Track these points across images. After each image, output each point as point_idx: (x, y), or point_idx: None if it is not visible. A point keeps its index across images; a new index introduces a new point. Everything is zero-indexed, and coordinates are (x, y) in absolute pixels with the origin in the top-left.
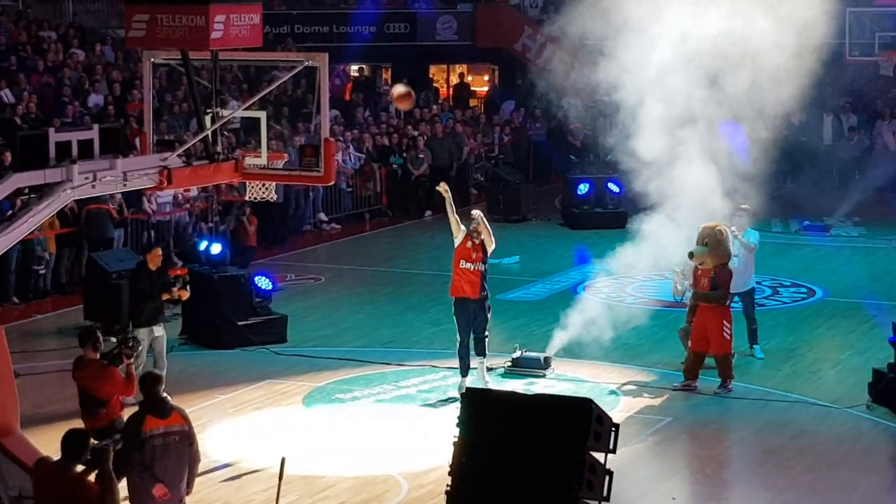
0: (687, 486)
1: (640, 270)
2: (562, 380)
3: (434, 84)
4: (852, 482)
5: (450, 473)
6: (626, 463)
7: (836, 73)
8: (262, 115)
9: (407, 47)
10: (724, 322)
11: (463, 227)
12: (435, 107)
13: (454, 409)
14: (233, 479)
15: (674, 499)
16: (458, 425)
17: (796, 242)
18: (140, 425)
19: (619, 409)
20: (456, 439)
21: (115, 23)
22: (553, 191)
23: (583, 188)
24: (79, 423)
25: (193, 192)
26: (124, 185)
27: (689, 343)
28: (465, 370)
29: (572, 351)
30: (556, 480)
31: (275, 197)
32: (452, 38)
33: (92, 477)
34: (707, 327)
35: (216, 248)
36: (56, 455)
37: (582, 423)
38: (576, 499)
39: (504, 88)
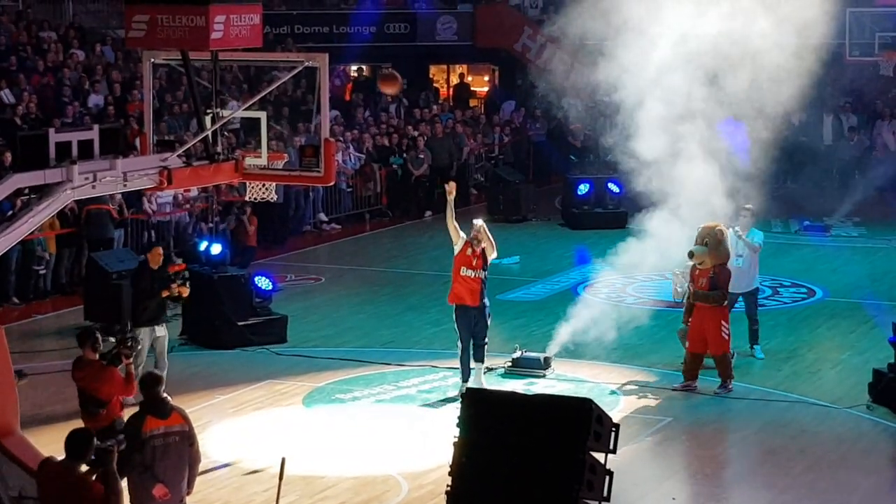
0: (687, 487)
1: (641, 270)
2: (562, 380)
3: (434, 84)
4: (852, 482)
5: (450, 474)
6: (626, 463)
7: (836, 73)
8: (262, 115)
9: (407, 47)
10: (722, 322)
11: (462, 234)
12: (435, 107)
13: (454, 410)
14: (233, 479)
15: (674, 499)
16: (458, 425)
17: (796, 242)
18: (140, 426)
19: (619, 410)
20: (456, 439)
21: (115, 23)
22: (553, 191)
23: (583, 188)
24: (79, 424)
25: (193, 192)
26: (124, 186)
27: (687, 344)
28: (466, 376)
29: (572, 351)
30: (556, 480)
31: (275, 197)
32: (452, 38)
33: (95, 477)
34: (705, 328)
35: (216, 249)
36: (56, 455)
37: (582, 423)
38: (576, 499)
39: (504, 89)
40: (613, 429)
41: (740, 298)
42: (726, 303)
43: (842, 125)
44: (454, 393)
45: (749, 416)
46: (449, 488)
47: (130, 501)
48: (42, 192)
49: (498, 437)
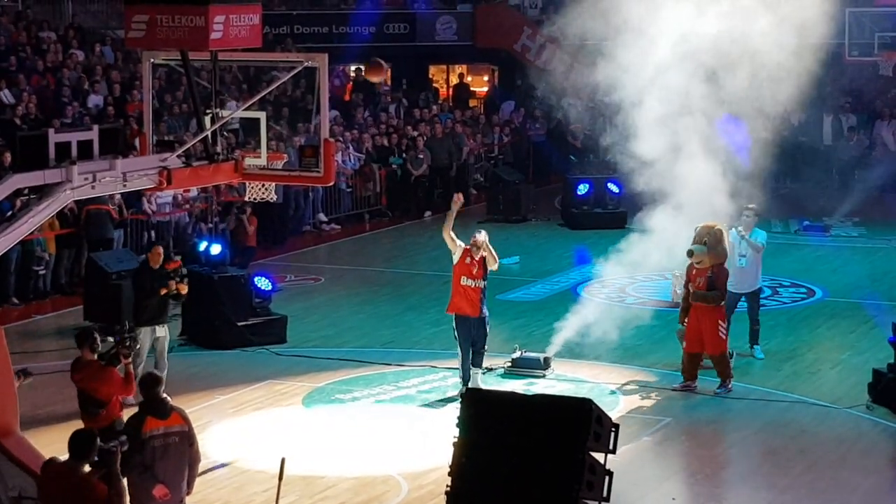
0: (687, 487)
1: (640, 270)
2: (562, 380)
3: (434, 84)
4: (852, 482)
5: (450, 474)
6: (626, 463)
7: (835, 73)
8: (262, 115)
9: (407, 48)
10: (719, 321)
11: (460, 243)
12: (435, 107)
13: (454, 410)
14: (233, 479)
15: (674, 499)
16: (458, 425)
17: (796, 242)
18: (140, 426)
19: (618, 410)
20: (456, 440)
21: (115, 23)
22: (553, 191)
23: (582, 188)
24: (78, 424)
25: (193, 192)
26: (124, 186)
27: (684, 344)
28: (466, 381)
29: (572, 351)
30: (555, 481)
31: (274, 197)
32: (452, 38)
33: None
34: (702, 327)
35: (216, 249)
36: (56, 455)
37: (582, 423)
38: (576, 499)
39: (504, 89)
40: (613, 429)
41: (743, 298)
42: (723, 302)
43: (841, 125)
44: (454, 393)
45: (749, 417)
46: (449, 488)
47: (130, 502)
48: (42, 192)
49: (498, 437)
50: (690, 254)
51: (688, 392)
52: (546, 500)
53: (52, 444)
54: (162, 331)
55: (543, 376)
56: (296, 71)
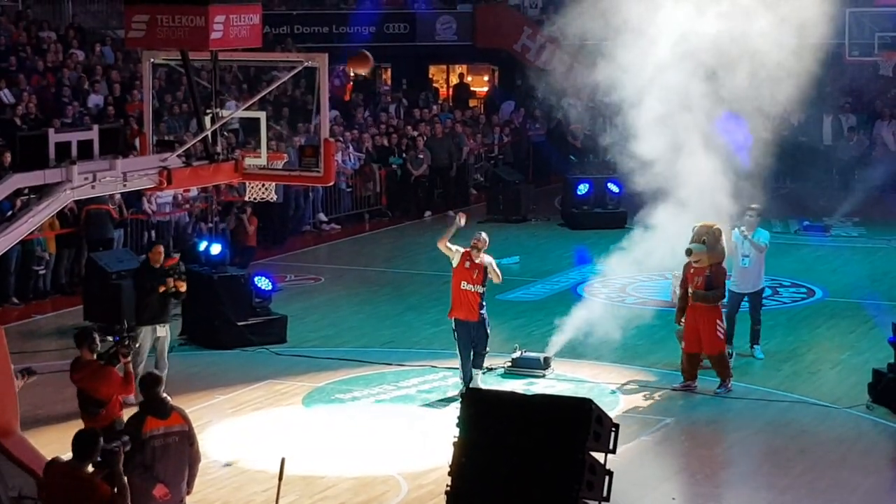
0: (687, 487)
1: (641, 270)
2: (562, 380)
3: (434, 84)
4: (852, 482)
5: (450, 474)
6: (626, 463)
7: (835, 74)
8: (262, 115)
9: (406, 48)
10: (717, 321)
11: (457, 247)
12: (434, 107)
13: (454, 410)
14: (233, 479)
15: (674, 499)
16: (457, 425)
17: (796, 242)
18: (140, 426)
19: (618, 410)
20: (456, 439)
21: (115, 23)
22: (553, 191)
23: (582, 188)
24: (78, 424)
25: (193, 192)
26: (124, 186)
27: (683, 345)
28: (467, 382)
29: (572, 351)
30: (555, 481)
31: (274, 197)
32: (452, 38)
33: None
34: (700, 328)
35: (216, 249)
36: (56, 455)
37: (582, 423)
38: (576, 499)
39: (504, 89)
40: (613, 429)
41: (745, 298)
42: (723, 302)
43: (841, 125)
44: (454, 393)
45: (749, 417)
46: (449, 488)
47: (131, 501)
48: (42, 192)
49: (498, 437)
50: (689, 252)
51: (688, 392)
52: (546, 499)
53: (52, 444)
54: (163, 330)
55: (543, 376)
56: (296, 71)
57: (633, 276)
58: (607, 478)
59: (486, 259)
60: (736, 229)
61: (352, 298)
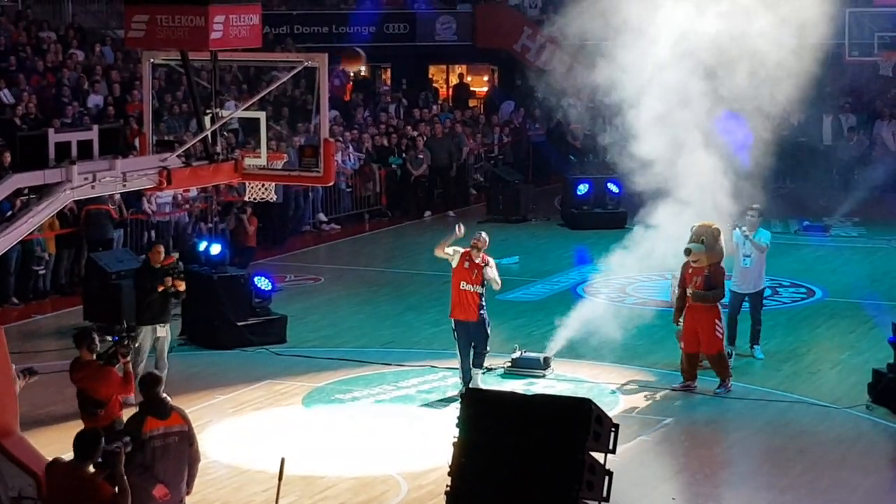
0: (687, 487)
1: (640, 271)
2: (561, 380)
3: (433, 84)
4: (852, 482)
5: (449, 474)
6: (625, 463)
7: (835, 74)
8: (262, 115)
9: (406, 48)
10: (716, 321)
11: (456, 248)
12: (434, 107)
13: (454, 410)
14: (232, 479)
15: (673, 499)
16: (457, 425)
17: (796, 243)
18: (140, 426)
19: (618, 410)
20: (456, 440)
21: (115, 23)
22: (553, 191)
23: (582, 188)
24: (78, 424)
25: (193, 192)
26: (124, 186)
27: (682, 345)
28: (466, 382)
29: (572, 351)
30: (555, 481)
31: (274, 197)
32: (452, 38)
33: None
34: (698, 327)
35: (216, 249)
36: (56, 455)
37: (581, 423)
38: (575, 499)
39: (503, 89)
40: (613, 429)
41: (746, 298)
42: (722, 302)
43: (841, 125)
44: (454, 393)
45: (749, 417)
46: (448, 488)
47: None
48: (41, 192)
49: (497, 437)
50: (688, 252)
51: (688, 392)
52: (546, 500)
53: (52, 444)
54: (163, 331)
55: (543, 376)
56: (296, 71)
57: (633, 276)
58: (607, 478)
59: (490, 274)
60: (737, 229)
61: (351, 298)
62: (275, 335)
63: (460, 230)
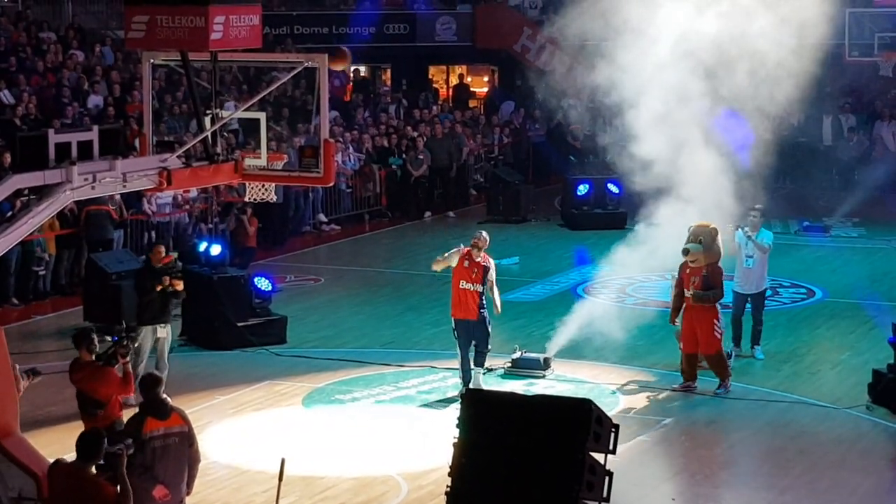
0: (687, 487)
1: (640, 271)
2: (561, 381)
3: (434, 85)
4: (852, 483)
5: (450, 474)
6: (626, 464)
7: (835, 74)
8: (262, 116)
9: (406, 48)
10: (714, 321)
11: (454, 250)
12: (434, 107)
13: (454, 410)
14: (232, 479)
15: (673, 499)
16: (457, 426)
17: (796, 243)
18: (140, 427)
19: (618, 410)
20: (456, 440)
21: (115, 24)
22: (553, 191)
23: (582, 189)
24: (78, 425)
25: (193, 193)
26: (124, 187)
27: (681, 345)
28: (466, 381)
29: (572, 352)
30: (555, 481)
31: (274, 198)
32: (452, 38)
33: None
34: (697, 327)
35: (216, 250)
36: (56, 456)
37: (581, 424)
38: (576, 499)
39: (503, 89)
40: (613, 429)
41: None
42: (721, 302)
43: (841, 125)
44: (454, 393)
45: (749, 417)
46: (448, 489)
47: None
48: (41, 192)
49: (497, 437)
50: (686, 252)
51: (688, 392)
52: (546, 500)
53: (52, 444)
54: (163, 331)
55: (543, 377)
56: (296, 71)
57: (633, 276)
58: (607, 478)
59: (484, 237)
60: (740, 230)
61: (352, 299)
62: (275, 336)
63: (460, 251)
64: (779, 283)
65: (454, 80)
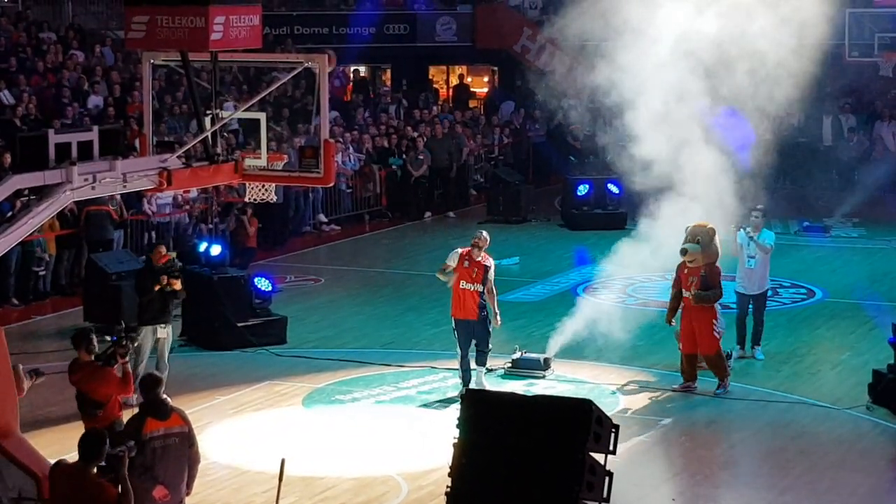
0: (687, 487)
1: (640, 271)
2: (562, 381)
3: (434, 85)
4: (852, 483)
5: (450, 474)
6: (626, 464)
7: (835, 74)
8: (262, 116)
9: (407, 48)
10: (714, 321)
11: (455, 250)
12: (434, 108)
13: (454, 410)
14: (232, 480)
15: (674, 500)
16: (458, 426)
17: (796, 243)
18: (140, 427)
19: (618, 410)
20: (456, 440)
21: (115, 24)
22: (553, 192)
23: (582, 189)
24: (78, 425)
25: (193, 193)
26: (124, 187)
27: (681, 346)
28: (466, 382)
29: (572, 352)
30: (555, 481)
31: (274, 198)
32: (452, 39)
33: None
34: (695, 328)
35: (216, 250)
36: (56, 456)
37: (582, 424)
38: (576, 500)
39: (504, 90)
40: (613, 430)
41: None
42: (720, 302)
43: (841, 126)
44: (454, 394)
45: (749, 417)
46: (449, 489)
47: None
48: (41, 193)
49: (498, 437)
50: (684, 252)
51: (688, 393)
52: (546, 500)
53: (52, 444)
54: (164, 332)
55: (543, 377)
56: (296, 72)
57: (633, 276)
58: (607, 479)
59: (485, 237)
60: (742, 230)
61: (352, 299)
62: (275, 336)
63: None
64: (779, 283)
65: (454, 81)
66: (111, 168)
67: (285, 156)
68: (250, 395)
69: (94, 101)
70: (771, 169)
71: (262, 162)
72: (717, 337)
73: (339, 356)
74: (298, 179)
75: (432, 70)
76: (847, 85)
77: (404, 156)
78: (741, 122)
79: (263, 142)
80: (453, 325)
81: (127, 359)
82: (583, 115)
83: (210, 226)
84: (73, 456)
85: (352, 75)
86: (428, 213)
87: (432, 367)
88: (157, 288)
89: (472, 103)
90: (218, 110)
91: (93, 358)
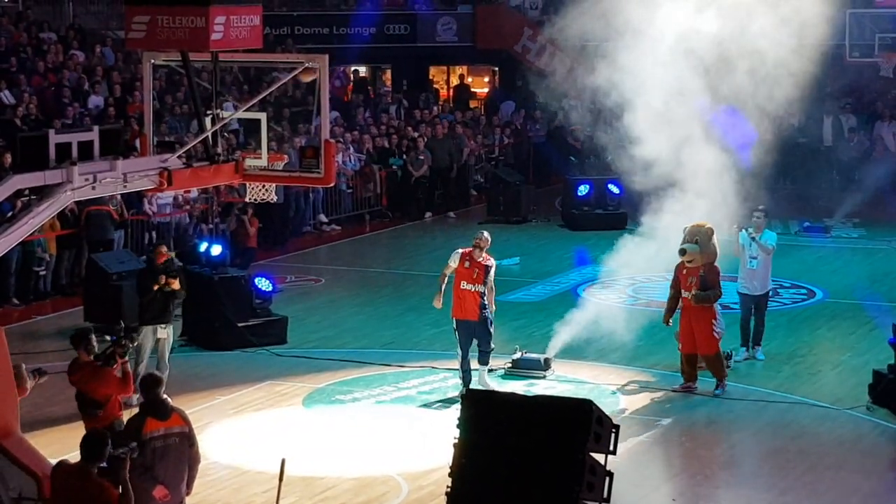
0: (687, 488)
1: (640, 271)
2: (562, 381)
3: (434, 85)
4: (852, 483)
5: (450, 474)
6: (626, 464)
7: (836, 74)
8: (263, 116)
9: (407, 49)
10: (713, 321)
11: (456, 251)
12: (435, 108)
13: (454, 411)
14: (233, 480)
15: (674, 500)
16: (458, 426)
17: (796, 244)
18: (140, 427)
19: (619, 411)
20: (456, 440)
21: (116, 24)
22: (553, 192)
23: (583, 189)
24: (79, 425)
25: (194, 193)
26: (124, 187)
27: (680, 346)
28: (467, 382)
29: (573, 352)
30: (556, 482)
31: (275, 198)
32: (453, 39)
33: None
34: (695, 328)
35: (216, 250)
36: (56, 456)
37: (582, 424)
38: (576, 500)
39: (504, 90)
40: (613, 430)
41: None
42: (721, 302)
43: (842, 126)
44: (454, 394)
45: (749, 418)
46: (449, 489)
47: None
48: (42, 193)
49: (498, 438)
50: (683, 252)
51: (688, 393)
52: (546, 500)
53: (53, 444)
54: (164, 332)
55: (544, 377)
56: (296, 72)
57: (634, 277)
58: (607, 479)
59: (486, 236)
60: (744, 231)
61: (352, 299)
62: (275, 336)
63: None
64: (779, 283)
65: (455, 81)
66: (112, 168)
67: (286, 156)
68: (250, 395)
69: (95, 101)
70: (771, 169)
71: (263, 162)
72: (717, 337)
73: (340, 356)
74: (299, 179)
75: (433, 70)
76: (847, 85)
77: (405, 156)
78: (741, 121)
79: (264, 142)
80: (454, 325)
81: (126, 358)
82: (583, 115)
83: (210, 226)
84: (74, 456)
85: (352, 75)
86: (428, 214)
87: (433, 368)
88: (155, 287)
89: (472, 103)
90: (218, 110)
91: (92, 358)
